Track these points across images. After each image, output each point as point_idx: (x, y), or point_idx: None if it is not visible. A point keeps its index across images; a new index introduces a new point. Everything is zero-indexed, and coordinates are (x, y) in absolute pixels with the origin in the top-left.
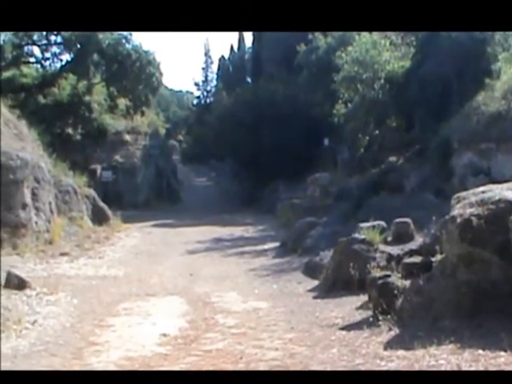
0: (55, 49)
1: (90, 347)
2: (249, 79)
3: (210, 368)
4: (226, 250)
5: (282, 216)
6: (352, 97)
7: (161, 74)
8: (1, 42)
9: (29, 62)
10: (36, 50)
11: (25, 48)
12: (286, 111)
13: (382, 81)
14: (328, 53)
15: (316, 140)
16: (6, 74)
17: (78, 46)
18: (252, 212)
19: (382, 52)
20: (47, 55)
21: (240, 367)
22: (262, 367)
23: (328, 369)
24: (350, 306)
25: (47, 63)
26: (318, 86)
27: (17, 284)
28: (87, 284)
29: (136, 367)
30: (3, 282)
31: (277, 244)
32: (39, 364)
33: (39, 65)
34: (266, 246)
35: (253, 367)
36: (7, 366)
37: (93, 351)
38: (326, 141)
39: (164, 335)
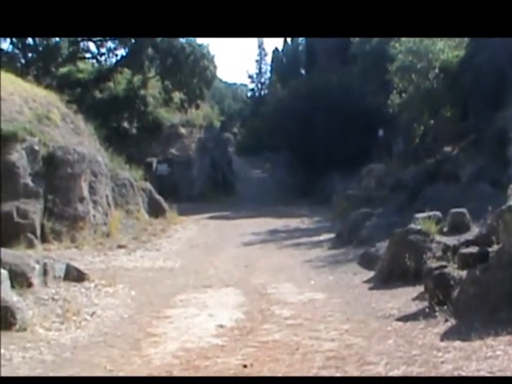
0: (110, 44)
1: (148, 338)
2: (303, 71)
3: (267, 360)
4: (282, 242)
5: (337, 207)
6: (407, 87)
7: (215, 67)
8: (58, 39)
9: (84, 58)
10: (92, 46)
11: (81, 44)
12: (340, 102)
13: (437, 70)
14: (382, 43)
15: (370, 131)
16: (63, 70)
17: (133, 41)
18: (307, 203)
19: (436, 41)
20: (103, 50)
21: (297, 358)
22: (319, 358)
23: (384, 361)
24: (406, 297)
25: (103, 58)
26: (372, 77)
27: (76, 276)
28: (144, 276)
29: (193, 358)
30: (63, 274)
31: (332, 235)
32: (98, 354)
33: (94, 61)
34: (321, 237)
35: (309, 358)
36: (66, 356)
37: (150, 342)
38: (381, 132)
39: (221, 326)
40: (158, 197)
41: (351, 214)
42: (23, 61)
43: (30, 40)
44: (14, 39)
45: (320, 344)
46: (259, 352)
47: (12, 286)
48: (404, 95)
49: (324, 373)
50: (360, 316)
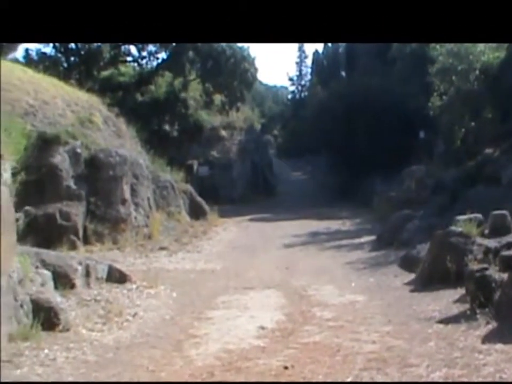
0: (151, 48)
1: (189, 339)
2: (343, 73)
3: (308, 361)
4: (323, 244)
5: (378, 210)
6: (447, 89)
7: (256, 69)
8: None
9: (126, 61)
10: (133, 49)
11: (122, 48)
12: (380, 104)
13: (477, 72)
14: (422, 45)
15: (411, 133)
16: (105, 73)
17: (174, 44)
18: (348, 205)
19: (477, 43)
20: (144, 53)
21: (337, 360)
22: (360, 360)
23: (426, 363)
24: (447, 300)
25: (144, 61)
26: (412, 78)
27: (118, 277)
28: (185, 277)
29: (235, 359)
30: (105, 276)
31: (373, 237)
32: (140, 355)
33: (136, 64)
34: (362, 240)
35: (350, 360)
36: (109, 356)
37: (192, 343)
38: (422, 134)
39: (262, 328)
40: (199, 199)
41: (392, 216)
42: (65, 64)
43: (72, 44)
44: (56, 44)
45: (361, 346)
46: (300, 354)
47: (55, 287)
48: (444, 97)
49: (365, 375)
50: (401, 318)
